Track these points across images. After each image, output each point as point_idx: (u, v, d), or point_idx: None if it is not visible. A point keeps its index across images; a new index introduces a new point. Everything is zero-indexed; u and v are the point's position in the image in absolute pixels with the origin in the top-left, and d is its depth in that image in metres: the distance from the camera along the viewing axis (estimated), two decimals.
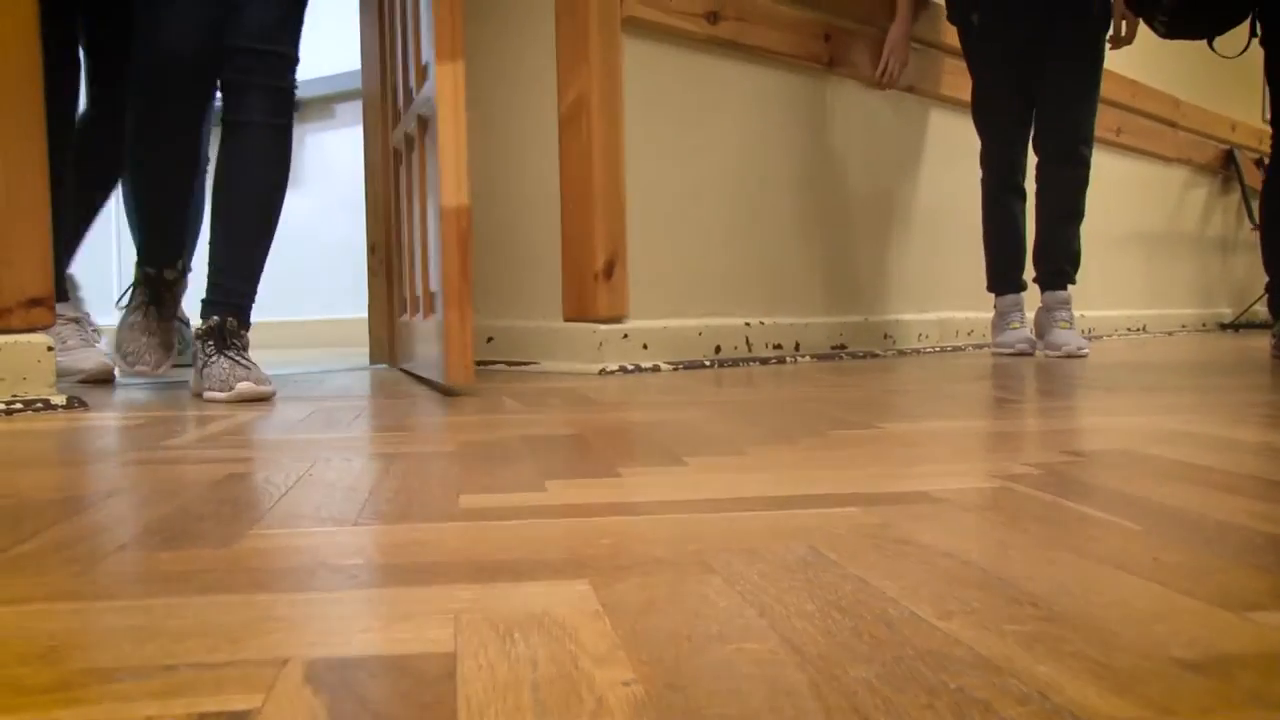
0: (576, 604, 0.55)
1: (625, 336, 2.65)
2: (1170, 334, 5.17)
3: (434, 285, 2.10)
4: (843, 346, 3.31)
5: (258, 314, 2.15)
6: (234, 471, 1.07)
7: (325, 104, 4.64)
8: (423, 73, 2.22)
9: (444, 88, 1.92)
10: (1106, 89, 3.93)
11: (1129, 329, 5.01)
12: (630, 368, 2.63)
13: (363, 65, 3.00)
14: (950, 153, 3.76)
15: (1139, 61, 4.00)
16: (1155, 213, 5.27)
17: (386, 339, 2.96)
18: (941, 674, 0.43)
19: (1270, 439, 1.21)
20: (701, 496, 0.88)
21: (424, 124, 2.24)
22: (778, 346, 3.09)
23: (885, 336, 3.48)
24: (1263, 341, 3.62)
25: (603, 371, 2.58)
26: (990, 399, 1.78)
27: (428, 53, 2.06)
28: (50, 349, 1.82)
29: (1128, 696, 0.41)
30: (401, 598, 0.58)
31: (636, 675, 0.44)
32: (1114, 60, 3.53)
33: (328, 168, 4.70)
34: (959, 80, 3.70)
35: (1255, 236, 6.07)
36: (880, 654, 0.46)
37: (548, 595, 0.57)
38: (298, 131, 2.27)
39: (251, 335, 2.12)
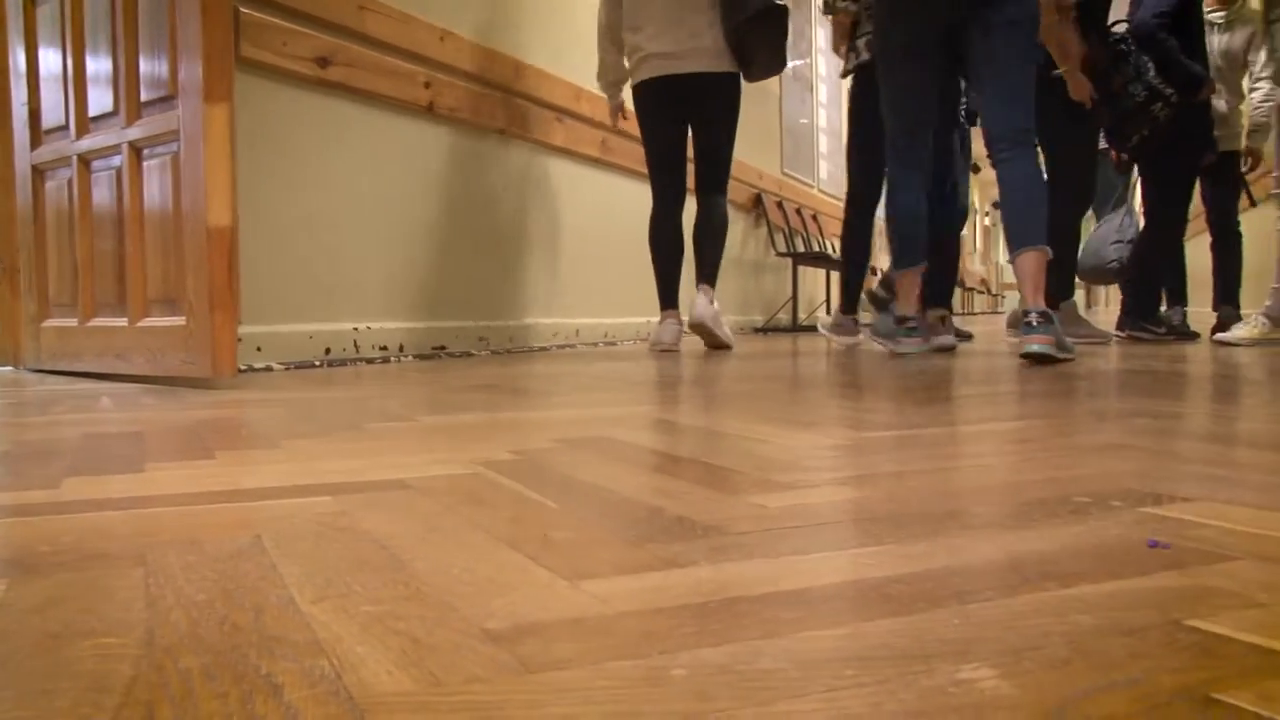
0: None
1: (239, 340, 2.49)
2: None
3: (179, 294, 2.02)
4: (443, 347, 3.28)
5: None
6: None
7: None
8: (138, 107, 2.11)
9: (212, 123, 1.92)
10: None
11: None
12: (243, 368, 2.48)
13: None
14: (551, 188, 3.83)
15: None
16: None
17: (13, 343, 2.61)
18: (263, 660, 0.41)
19: (707, 423, 1.26)
20: (205, 489, 0.82)
21: (137, 151, 2.12)
22: (383, 348, 3.01)
23: (480, 339, 3.48)
24: (783, 344, 3.90)
25: None
26: (532, 391, 1.78)
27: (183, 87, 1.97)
28: None
29: (411, 671, 0.40)
30: None
31: None
32: None
33: None
34: (550, 129, 3.78)
35: (779, 260, 6.61)
36: (225, 643, 0.44)
37: None
38: None
39: None
